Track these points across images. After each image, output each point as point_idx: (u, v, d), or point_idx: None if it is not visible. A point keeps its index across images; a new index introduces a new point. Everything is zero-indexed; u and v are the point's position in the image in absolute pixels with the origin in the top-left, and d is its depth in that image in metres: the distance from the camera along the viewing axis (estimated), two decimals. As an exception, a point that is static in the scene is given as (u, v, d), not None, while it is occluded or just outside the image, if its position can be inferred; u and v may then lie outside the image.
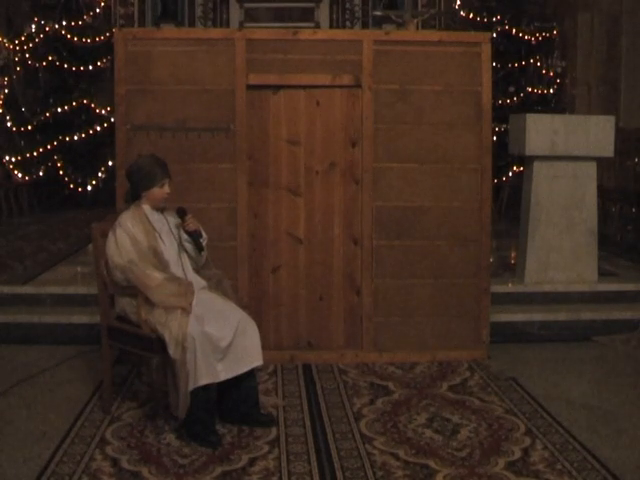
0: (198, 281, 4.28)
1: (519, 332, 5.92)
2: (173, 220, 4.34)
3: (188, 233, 4.28)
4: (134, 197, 4.29)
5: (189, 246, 4.34)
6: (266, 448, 3.93)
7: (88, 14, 11.17)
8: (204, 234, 4.35)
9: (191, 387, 3.90)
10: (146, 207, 4.26)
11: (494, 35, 9.64)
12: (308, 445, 3.98)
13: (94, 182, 11.09)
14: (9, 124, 10.86)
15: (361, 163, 5.32)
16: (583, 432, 4.13)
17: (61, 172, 11.03)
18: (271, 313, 5.37)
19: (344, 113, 5.34)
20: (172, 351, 3.92)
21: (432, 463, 3.74)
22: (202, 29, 11.32)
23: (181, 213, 4.29)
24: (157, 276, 4.04)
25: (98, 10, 11.36)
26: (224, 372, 4.02)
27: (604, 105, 10.60)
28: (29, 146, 10.99)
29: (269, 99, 5.31)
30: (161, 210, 4.32)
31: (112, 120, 9.62)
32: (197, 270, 4.38)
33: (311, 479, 3.61)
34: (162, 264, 4.15)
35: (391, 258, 5.34)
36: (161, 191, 4.25)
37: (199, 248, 4.31)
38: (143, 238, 4.15)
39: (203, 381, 3.92)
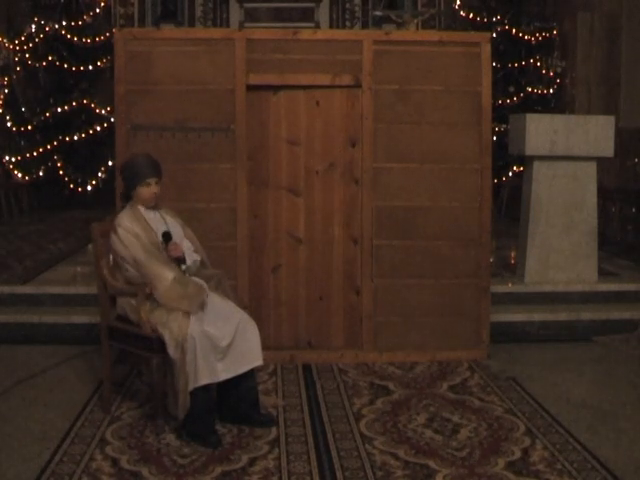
0: (197, 281, 4.26)
1: (519, 332, 5.92)
2: (170, 219, 4.33)
3: (171, 259, 4.20)
4: (127, 196, 4.29)
5: (187, 244, 4.33)
6: (266, 448, 3.93)
7: (88, 14, 11.18)
8: (188, 261, 4.25)
9: (191, 387, 3.90)
10: (141, 207, 4.25)
11: (494, 35, 9.68)
12: (308, 445, 3.98)
13: (94, 182, 11.09)
14: (9, 124, 10.86)
15: (361, 163, 5.31)
16: (583, 432, 4.13)
17: (61, 172, 11.03)
18: (271, 313, 5.37)
19: (344, 113, 5.34)
20: (172, 351, 3.92)
21: (432, 463, 3.74)
22: (202, 29, 11.33)
23: (166, 238, 4.20)
24: (168, 275, 4.01)
25: (98, 10, 11.36)
26: (224, 372, 4.02)
27: (604, 105, 10.61)
28: (29, 146, 11.00)
29: (269, 99, 5.31)
30: (157, 209, 4.31)
31: (112, 120, 9.62)
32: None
33: (311, 479, 3.61)
34: (166, 259, 4.12)
35: (391, 258, 5.34)
36: (147, 190, 4.22)
37: None
38: (144, 235, 4.15)
39: (203, 381, 3.91)
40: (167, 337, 3.94)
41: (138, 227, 4.15)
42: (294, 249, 5.38)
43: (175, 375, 3.94)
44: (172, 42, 5.26)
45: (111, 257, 4.29)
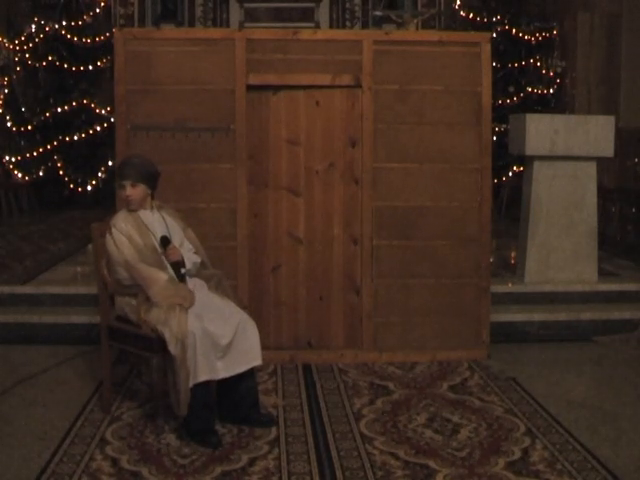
0: (197, 282, 4.27)
1: (519, 332, 5.92)
2: (171, 220, 4.32)
3: (169, 263, 4.19)
4: None
5: (187, 245, 4.33)
6: (266, 448, 3.93)
7: (88, 14, 11.19)
8: (188, 264, 4.25)
9: (191, 384, 3.89)
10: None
11: (494, 35, 9.68)
12: (308, 445, 3.98)
13: (94, 182, 11.10)
14: (9, 124, 10.87)
15: (361, 163, 5.31)
16: (583, 432, 4.13)
17: (61, 172, 11.04)
18: (271, 313, 5.37)
19: (344, 113, 5.34)
20: (172, 348, 3.90)
21: (432, 463, 3.74)
22: (202, 29, 11.33)
23: (164, 242, 4.18)
24: (161, 276, 4.03)
25: (98, 10, 11.37)
26: (223, 371, 4.02)
27: (604, 105, 10.61)
28: (29, 146, 11.01)
29: (269, 99, 5.31)
30: (159, 210, 4.30)
31: (112, 120, 9.62)
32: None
33: (311, 479, 3.61)
34: (160, 262, 4.14)
35: (391, 258, 5.34)
36: (121, 193, 4.23)
37: (179, 278, 4.17)
38: (138, 237, 4.14)
39: (202, 377, 3.91)
40: (167, 335, 3.93)
41: (132, 228, 4.15)
42: (294, 249, 5.37)
43: (176, 372, 3.92)
44: (172, 42, 5.25)
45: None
